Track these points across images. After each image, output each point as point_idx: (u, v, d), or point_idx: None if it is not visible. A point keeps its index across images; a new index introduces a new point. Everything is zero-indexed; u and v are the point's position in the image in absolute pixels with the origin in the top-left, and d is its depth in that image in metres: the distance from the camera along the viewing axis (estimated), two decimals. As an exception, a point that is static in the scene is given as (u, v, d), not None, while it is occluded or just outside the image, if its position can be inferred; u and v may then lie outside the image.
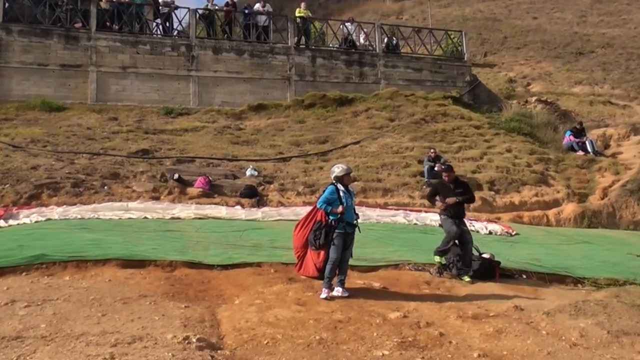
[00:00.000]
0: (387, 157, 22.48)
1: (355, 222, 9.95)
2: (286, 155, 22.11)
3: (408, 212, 18.65)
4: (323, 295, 9.51)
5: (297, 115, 25.55)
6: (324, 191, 10.13)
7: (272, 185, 19.70)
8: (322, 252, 9.98)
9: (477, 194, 19.73)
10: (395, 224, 17.26)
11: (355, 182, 20.23)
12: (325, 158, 21.91)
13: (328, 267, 9.75)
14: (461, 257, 11.46)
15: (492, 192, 20.92)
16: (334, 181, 10.02)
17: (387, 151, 23.11)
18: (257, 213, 17.25)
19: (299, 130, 24.27)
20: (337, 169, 10.08)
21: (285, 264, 11.20)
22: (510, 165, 22.93)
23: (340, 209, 9.69)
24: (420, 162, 22.06)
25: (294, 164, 21.48)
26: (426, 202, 19.85)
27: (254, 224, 16.05)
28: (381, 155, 22.68)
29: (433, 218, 17.95)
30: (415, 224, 17.50)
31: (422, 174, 21.30)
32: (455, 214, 11.58)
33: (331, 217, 9.82)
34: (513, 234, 17.28)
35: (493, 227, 17.53)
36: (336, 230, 9.78)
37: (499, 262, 11.74)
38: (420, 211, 18.98)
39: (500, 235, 16.85)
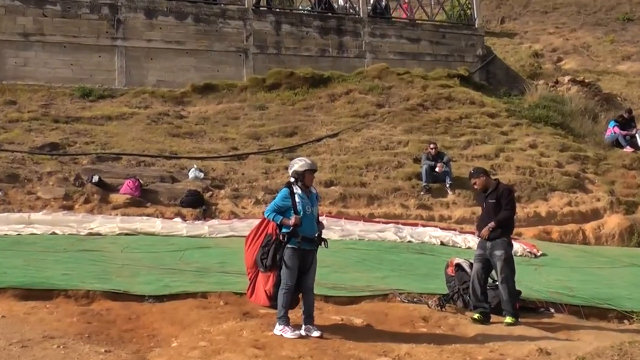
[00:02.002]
0: (374, 155, 22.57)
1: (315, 236, 9.85)
2: (242, 151, 22.07)
3: (400, 226, 18.77)
4: (287, 334, 9.51)
5: (257, 99, 25.55)
6: (277, 194, 10.10)
7: (222, 191, 19.73)
8: (272, 275, 9.84)
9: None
10: (384, 241, 17.40)
11: (332, 187, 20.30)
12: (293, 155, 21.69)
13: (281, 297, 9.68)
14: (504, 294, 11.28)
15: (512, 201, 21.00)
16: (291, 179, 9.98)
17: (374, 147, 23.20)
18: (203, 227, 17.32)
19: (259, 119, 24.27)
20: (298, 163, 10.04)
21: (238, 294, 11.18)
22: (535, 166, 23.11)
23: (292, 220, 9.60)
24: (417, 160, 22.18)
25: (252, 162, 21.49)
26: (424, 213, 20.03)
27: (199, 241, 16.11)
28: (366, 151, 22.77)
29: (433, 234, 18.09)
30: (410, 241, 17.63)
31: (419, 176, 21.40)
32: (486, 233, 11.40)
33: (283, 230, 9.74)
34: (538, 254, 17.45)
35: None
36: (287, 246, 9.70)
37: (519, 292, 11.69)
38: (416, 225, 19.16)
39: (521, 256, 16.88)
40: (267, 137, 23.15)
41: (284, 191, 9.84)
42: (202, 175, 20.10)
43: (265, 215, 9.88)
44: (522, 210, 20.43)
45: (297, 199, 9.75)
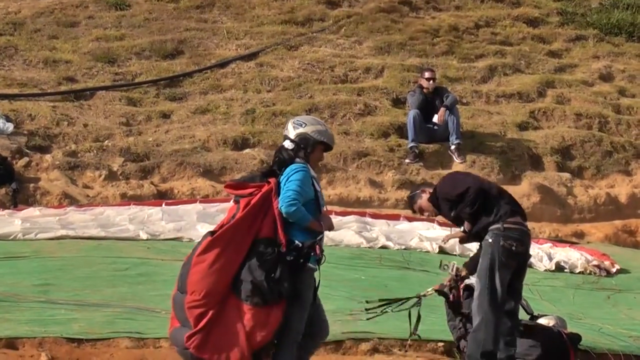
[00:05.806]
0: (322, 92, 22.70)
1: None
2: (83, 85, 22.24)
3: (368, 219, 18.96)
4: None
5: (112, -11, 25.83)
6: (286, 172, 9.78)
7: (49, 156, 19.73)
8: (275, 312, 9.68)
9: (530, 180, 19.70)
10: (338, 246, 17.38)
11: (247, 150, 20.51)
12: (176, 92, 22.29)
13: (285, 353, 9.77)
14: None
15: (567, 175, 21.01)
16: (289, 146, 9.86)
17: (322, 77, 23.41)
18: (12, 222, 17.34)
19: (115, 27, 24.71)
20: (316, 126, 9.99)
21: (74, 341, 11.31)
22: (610, 113, 23.28)
23: (325, 223, 9.92)
24: (400, 102, 22.33)
25: (103, 105, 21.60)
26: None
27: (5, 246, 16.08)
28: (308, 86, 22.88)
29: (426, 234, 18.34)
30: (385, 247, 17.73)
31: (402, 130, 21.46)
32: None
33: (299, 239, 9.67)
34: (613, 270, 17.50)
35: (566, 255, 17.77)
36: (308, 266, 9.76)
37: (577, 337, 11.90)
38: (397, 218, 19.28)
39: (582, 273, 17.13)
40: (129, 58, 23.52)
41: (304, 169, 9.74)
42: (10, 127, 20.08)
43: (287, 210, 9.61)
44: (583, 192, 20.65)
45: (316, 185, 9.94)
